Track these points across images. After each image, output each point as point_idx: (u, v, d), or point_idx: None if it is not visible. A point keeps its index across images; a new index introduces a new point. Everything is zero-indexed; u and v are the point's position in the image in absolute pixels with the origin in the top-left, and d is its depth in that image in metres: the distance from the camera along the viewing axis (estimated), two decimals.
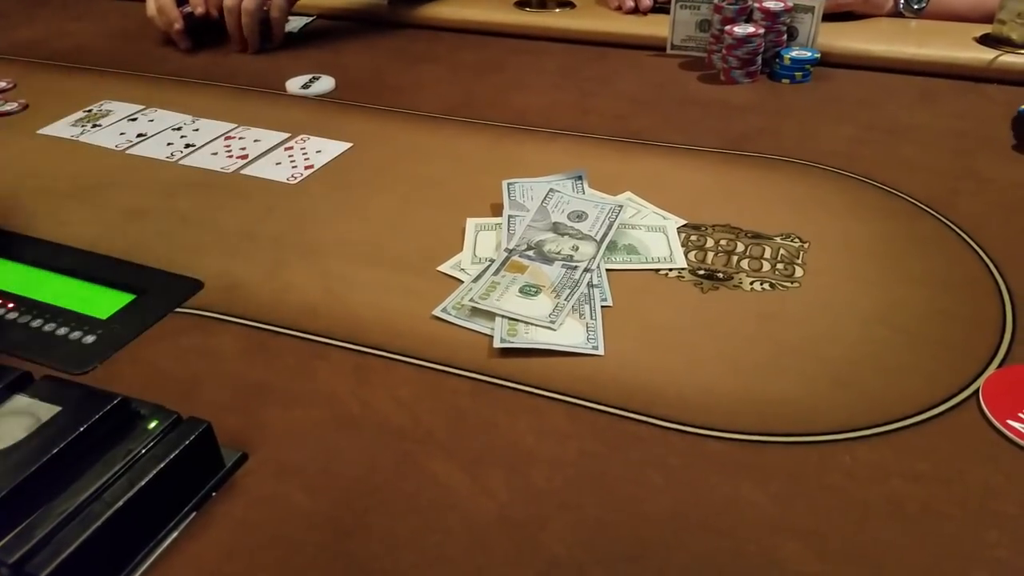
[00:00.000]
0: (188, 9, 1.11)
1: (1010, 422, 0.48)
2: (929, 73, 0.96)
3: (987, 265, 0.62)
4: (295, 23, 1.17)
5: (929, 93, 0.92)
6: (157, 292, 0.61)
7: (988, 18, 0.99)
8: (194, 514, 0.43)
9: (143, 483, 0.40)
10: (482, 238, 0.66)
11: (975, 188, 0.72)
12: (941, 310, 0.57)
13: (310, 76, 0.99)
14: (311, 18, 1.18)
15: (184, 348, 0.56)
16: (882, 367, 0.52)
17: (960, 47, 0.97)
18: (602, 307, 0.58)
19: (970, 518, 0.42)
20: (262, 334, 0.57)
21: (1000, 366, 0.52)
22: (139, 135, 0.87)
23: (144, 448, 0.42)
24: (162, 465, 0.41)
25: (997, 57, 0.94)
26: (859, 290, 0.60)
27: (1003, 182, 0.73)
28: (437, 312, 0.57)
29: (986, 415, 0.48)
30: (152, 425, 0.43)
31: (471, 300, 0.57)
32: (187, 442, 0.42)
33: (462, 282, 0.61)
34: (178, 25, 1.10)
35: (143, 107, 0.93)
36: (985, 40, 0.98)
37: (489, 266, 0.61)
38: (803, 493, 0.44)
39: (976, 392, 0.50)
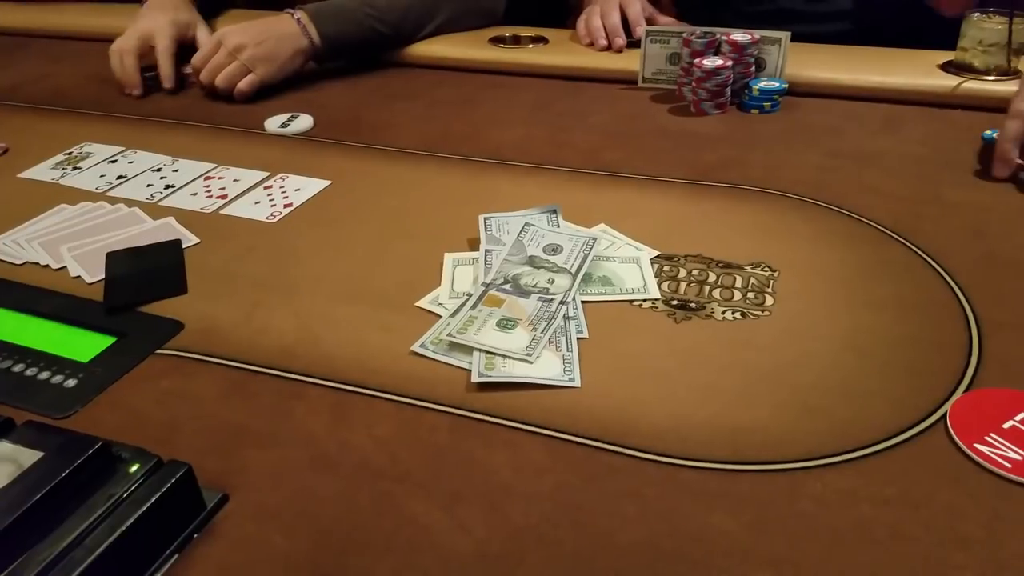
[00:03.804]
0: (151, 74, 1.13)
1: (977, 446, 0.49)
2: (894, 100, 0.98)
3: (952, 289, 0.63)
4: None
5: (894, 120, 0.94)
6: (138, 334, 0.62)
7: None
8: (175, 557, 0.44)
9: (124, 527, 0.41)
10: (459, 272, 0.67)
11: (940, 213, 0.74)
12: (908, 335, 0.59)
13: (288, 115, 1.00)
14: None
15: (164, 390, 0.56)
16: (851, 393, 0.54)
17: (924, 75, 1.00)
18: (578, 339, 0.59)
19: (937, 541, 0.43)
20: (241, 374, 0.57)
21: (967, 390, 0.53)
22: (119, 177, 0.87)
23: (126, 492, 0.42)
24: (143, 509, 0.42)
25: (960, 84, 0.97)
26: (828, 316, 0.61)
27: (967, 206, 0.75)
28: (416, 347, 0.58)
29: (954, 439, 0.49)
30: (133, 469, 0.44)
31: (449, 335, 0.58)
32: (168, 485, 0.43)
33: (440, 317, 0.62)
34: (136, 92, 1.12)
35: (123, 149, 0.94)
36: (948, 67, 1.01)
37: (467, 300, 0.62)
38: (774, 521, 0.45)
39: (944, 416, 0.51)
